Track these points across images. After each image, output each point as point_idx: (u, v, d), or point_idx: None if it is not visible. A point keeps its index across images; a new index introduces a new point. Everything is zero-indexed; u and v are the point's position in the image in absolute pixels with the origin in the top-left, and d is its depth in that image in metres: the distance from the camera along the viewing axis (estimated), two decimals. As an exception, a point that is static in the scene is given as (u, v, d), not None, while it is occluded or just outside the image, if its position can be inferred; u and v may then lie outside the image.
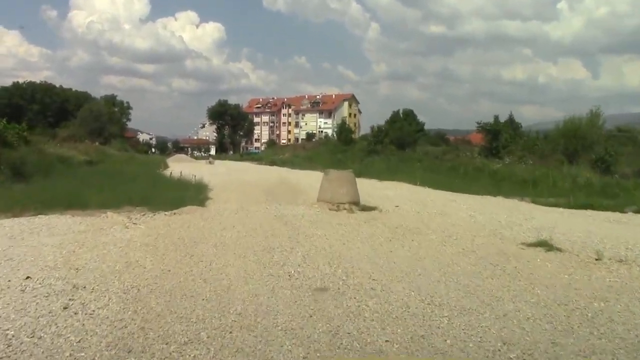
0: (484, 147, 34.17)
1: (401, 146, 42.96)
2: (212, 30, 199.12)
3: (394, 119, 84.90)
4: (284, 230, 9.34)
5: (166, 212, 10.98)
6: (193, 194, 15.09)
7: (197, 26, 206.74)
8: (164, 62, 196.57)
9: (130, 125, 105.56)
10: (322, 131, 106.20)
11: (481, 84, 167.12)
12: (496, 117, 35.47)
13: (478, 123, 35.30)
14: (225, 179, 23.34)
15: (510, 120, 40.49)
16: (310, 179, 25.23)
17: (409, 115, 67.07)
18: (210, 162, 51.66)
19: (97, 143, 42.84)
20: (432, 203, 14.36)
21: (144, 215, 10.43)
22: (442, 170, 27.30)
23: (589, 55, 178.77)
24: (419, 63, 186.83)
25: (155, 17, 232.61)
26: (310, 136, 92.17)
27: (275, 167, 46.94)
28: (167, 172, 29.02)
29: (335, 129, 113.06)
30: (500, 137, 33.87)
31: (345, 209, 12.16)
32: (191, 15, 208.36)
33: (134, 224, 9.45)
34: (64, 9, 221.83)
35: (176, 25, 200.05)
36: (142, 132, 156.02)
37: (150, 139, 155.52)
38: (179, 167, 45.38)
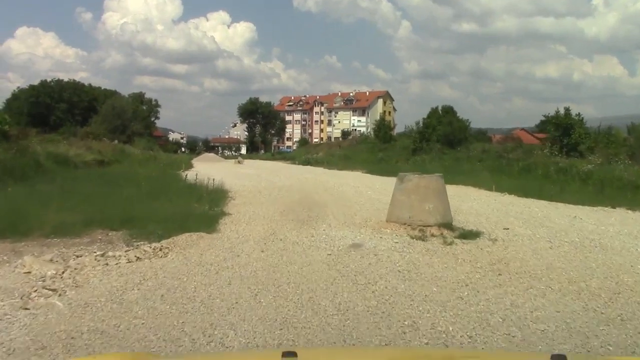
0: (554, 145, 29.11)
1: (450, 144, 38.11)
2: (243, 30, 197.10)
3: (433, 115, 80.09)
4: (351, 290, 4.96)
5: (148, 245, 6.73)
6: (205, 206, 10.90)
7: (229, 26, 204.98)
8: (196, 62, 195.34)
9: (161, 124, 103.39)
10: (355, 129, 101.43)
11: (514, 82, 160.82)
12: (567, 110, 30.29)
13: (545, 116, 30.31)
14: (253, 184, 19.14)
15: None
16: (355, 182, 21.05)
17: (449, 112, 61.79)
18: (239, 162, 47.76)
19: (116, 141, 39.24)
20: (549, 221, 9.77)
21: (102, 255, 6.13)
22: (513, 171, 22.54)
23: (625, 51, 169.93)
24: (450, 61, 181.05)
25: (188, 18, 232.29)
26: (345, 134, 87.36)
27: (309, 167, 42.67)
28: (188, 174, 25.23)
29: (370, 127, 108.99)
30: (573, 132, 28.77)
31: (433, 234, 7.74)
32: (223, 15, 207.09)
33: (52, 290, 5.00)
34: (98, 11, 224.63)
35: (208, 25, 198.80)
36: (173, 132, 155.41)
37: (182, 138, 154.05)
38: (204, 167, 41.53)
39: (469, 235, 7.84)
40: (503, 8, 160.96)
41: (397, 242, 7.23)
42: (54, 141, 31.23)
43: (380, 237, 7.60)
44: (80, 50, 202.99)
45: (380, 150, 47.84)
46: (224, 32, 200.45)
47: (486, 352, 3.38)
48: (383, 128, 56.14)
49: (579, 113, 29.94)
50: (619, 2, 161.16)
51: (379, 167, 34.02)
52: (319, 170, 36.60)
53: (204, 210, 10.47)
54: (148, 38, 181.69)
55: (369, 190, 16.39)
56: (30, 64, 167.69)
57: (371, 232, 8.05)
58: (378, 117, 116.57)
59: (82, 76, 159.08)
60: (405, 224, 8.11)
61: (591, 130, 31.16)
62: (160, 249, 6.44)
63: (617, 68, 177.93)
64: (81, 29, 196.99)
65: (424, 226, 7.96)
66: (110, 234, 7.73)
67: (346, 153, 51.21)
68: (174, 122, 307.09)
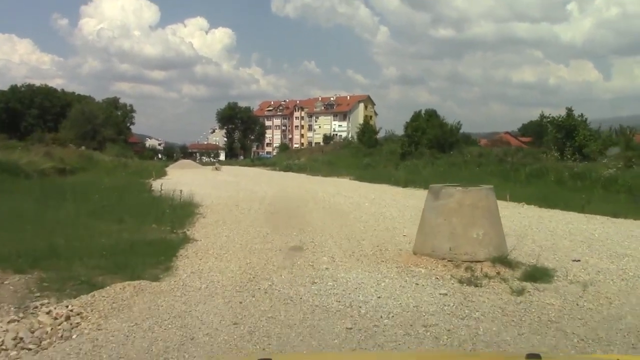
0: (556, 148, 27.04)
1: (441, 148, 35.93)
2: (222, 35, 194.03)
3: (417, 119, 78.01)
4: None
5: (52, 310, 4.11)
6: (166, 227, 8.33)
7: (207, 32, 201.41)
8: (174, 68, 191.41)
9: (139, 131, 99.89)
10: (337, 134, 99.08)
11: (491, 87, 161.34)
12: (569, 110, 28.21)
13: (546, 117, 28.24)
14: (229, 194, 16.56)
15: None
16: (347, 190, 18.23)
17: (432, 115, 59.63)
18: (216, 169, 45.01)
19: (83, 147, 36.19)
20: (621, 246, 7.39)
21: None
22: (519, 177, 20.32)
23: (600, 56, 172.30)
24: (428, 66, 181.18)
25: (165, 24, 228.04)
26: (328, 139, 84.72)
27: (292, 174, 40.13)
28: (156, 183, 22.59)
29: (351, 132, 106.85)
30: (577, 134, 26.73)
31: (488, 275, 5.28)
32: (200, 21, 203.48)
33: None
34: (74, 16, 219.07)
35: (186, 31, 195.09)
36: (150, 138, 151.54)
37: (159, 144, 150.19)
38: (179, 174, 38.72)
39: (537, 274, 5.39)
40: (479, 14, 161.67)
41: (445, 294, 4.72)
42: (11, 148, 28.35)
43: (416, 284, 5.08)
44: (57, 57, 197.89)
45: (365, 155, 45.55)
46: (202, 38, 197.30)
47: (462, 352, 3.26)
48: (367, 132, 53.84)
49: (582, 114, 27.94)
50: (593, 7, 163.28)
51: (367, 173, 31.67)
52: (303, 177, 34.09)
53: (163, 234, 7.88)
54: (125, 44, 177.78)
55: (366, 202, 13.96)
56: (5, 71, 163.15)
57: (397, 272, 5.53)
58: (360, 122, 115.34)
59: (58, 82, 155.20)
60: (443, 258, 5.65)
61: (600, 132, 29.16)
62: (68, 319, 3.85)
63: (592, 73, 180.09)
64: (57, 35, 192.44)
65: (472, 261, 5.51)
66: (9, 280, 5.12)
67: (329, 158, 48.81)
68: (152, 129, 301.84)
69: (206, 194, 15.44)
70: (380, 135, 60.73)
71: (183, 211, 10.62)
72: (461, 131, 42.89)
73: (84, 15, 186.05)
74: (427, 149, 35.99)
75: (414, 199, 13.55)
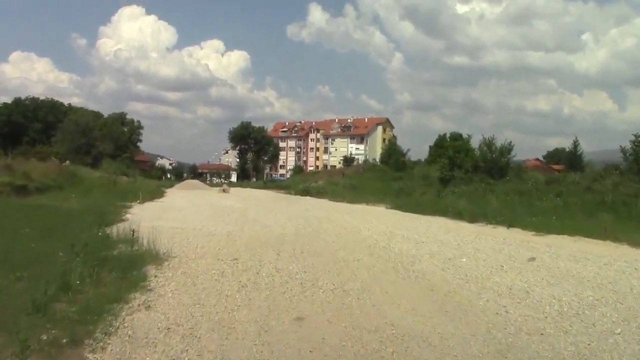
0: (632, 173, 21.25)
1: (489, 173, 30.16)
2: (237, 58, 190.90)
3: (441, 144, 71.91)
4: None
5: None
6: None
7: (223, 54, 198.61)
8: (190, 89, 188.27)
9: (154, 151, 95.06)
10: (354, 157, 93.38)
11: (505, 115, 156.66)
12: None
13: (636, 136, 22.41)
14: (229, 229, 10.97)
15: None
16: (398, 227, 12.27)
17: (458, 140, 53.79)
18: (224, 191, 39.54)
19: (67, 162, 30.91)
20: None
21: None
22: (633, 213, 14.61)
23: (615, 87, 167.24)
24: (442, 93, 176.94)
25: (182, 46, 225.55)
26: (349, 161, 78.91)
27: (310, 199, 34.60)
28: (143, 207, 17.35)
29: (369, 154, 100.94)
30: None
31: None
32: (217, 43, 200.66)
33: None
34: (92, 37, 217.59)
35: (202, 53, 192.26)
36: (162, 158, 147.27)
37: (171, 164, 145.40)
38: (179, 196, 33.05)
39: None
40: (494, 42, 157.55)
41: None
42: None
43: None
44: (75, 76, 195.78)
45: (394, 179, 39.95)
46: (218, 61, 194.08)
47: None
48: (395, 154, 48.32)
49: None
50: (608, 38, 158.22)
51: (405, 201, 25.99)
52: (325, 203, 28.46)
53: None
54: (142, 65, 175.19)
55: (461, 255, 8.31)
56: (23, 88, 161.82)
57: None
58: (378, 145, 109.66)
59: (75, 101, 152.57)
60: None
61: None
62: None
63: (606, 103, 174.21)
64: (76, 55, 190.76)
65: None
66: None
67: (352, 182, 43.12)
68: (166, 149, 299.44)
69: (194, 231, 9.95)
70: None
71: (115, 285, 5.02)
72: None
73: (102, 35, 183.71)
74: (473, 174, 30.34)
75: (528, 248, 7.93)
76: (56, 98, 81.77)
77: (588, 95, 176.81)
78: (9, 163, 21.24)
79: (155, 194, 27.61)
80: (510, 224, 14.04)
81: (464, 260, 7.65)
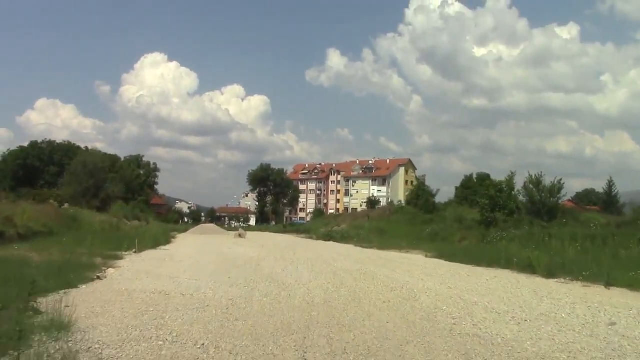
0: None
1: (537, 214, 26.60)
2: (257, 103, 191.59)
3: (467, 184, 68.06)
4: None
5: None
6: None
7: (243, 99, 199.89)
8: (211, 134, 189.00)
9: (174, 195, 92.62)
10: (378, 199, 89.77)
11: (525, 156, 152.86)
12: None
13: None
14: (233, 296, 7.75)
15: None
16: (467, 290, 8.91)
17: (486, 180, 50.15)
18: (240, 236, 36.33)
19: (66, 205, 28.17)
20: None
21: None
22: None
23: (636, 128, 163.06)
24: (461, 135, 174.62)
25: (203, 91, 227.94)
26: (373, 203, 75.25)
27: (334, 244, 31.18)
28: (135, 260, 14.38)
29: (391, 196, 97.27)
30: None
31: None
32: (237, 89, 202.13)
33: None
34: (116, 84, 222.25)
35: (222, 98, 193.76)
36: (181, 201, 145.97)
37: (190, 207, 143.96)
38: (188, 242, 29.64)
39: None
40: (512, 84, 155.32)
41: None
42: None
43: None
44: (98, 121, 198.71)
45: (424, 222, 36.50)
46: (238, 105, 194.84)
47: None
48: (424, 195, 44.84)
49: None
50: (628, 79, 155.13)
51: (444, 247, 22.40)
52: (352, 250, 24.94)
53: None
54: (163, 110, 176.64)
55: (586, 339, 4.99)
56: (47, 134, 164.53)
57: None
58: (400, 187, 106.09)
59: (98, 146, 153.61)
60: None
61: None
62: None
63: (629, 143, 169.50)
64: (99, 101, 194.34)
65: None
66: None
67: (379, 225, 39.67)
68: (186, 193, 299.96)
69: (182, 298, 6.78)
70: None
71: None
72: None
73: (125, 82, 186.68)
74: (517, 216, 26.78)
75: None
76: (79, 143, 79.78)
77: (609, 137, 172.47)
78: (6, 207, 18.43)
79: (161, 241, 24.46)
80: (608, 282, 10.55)
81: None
